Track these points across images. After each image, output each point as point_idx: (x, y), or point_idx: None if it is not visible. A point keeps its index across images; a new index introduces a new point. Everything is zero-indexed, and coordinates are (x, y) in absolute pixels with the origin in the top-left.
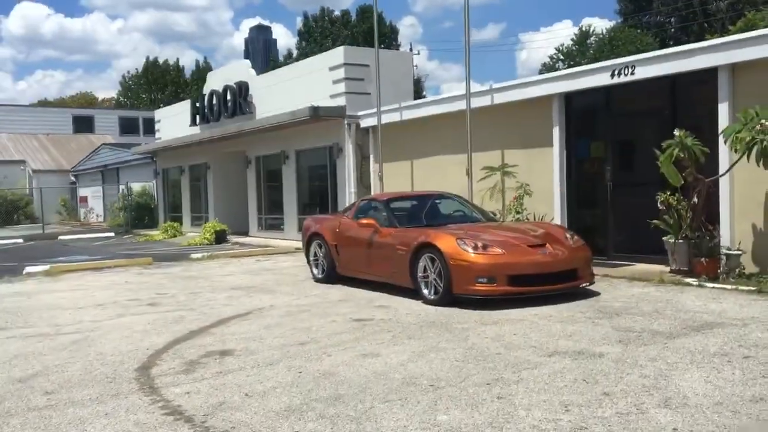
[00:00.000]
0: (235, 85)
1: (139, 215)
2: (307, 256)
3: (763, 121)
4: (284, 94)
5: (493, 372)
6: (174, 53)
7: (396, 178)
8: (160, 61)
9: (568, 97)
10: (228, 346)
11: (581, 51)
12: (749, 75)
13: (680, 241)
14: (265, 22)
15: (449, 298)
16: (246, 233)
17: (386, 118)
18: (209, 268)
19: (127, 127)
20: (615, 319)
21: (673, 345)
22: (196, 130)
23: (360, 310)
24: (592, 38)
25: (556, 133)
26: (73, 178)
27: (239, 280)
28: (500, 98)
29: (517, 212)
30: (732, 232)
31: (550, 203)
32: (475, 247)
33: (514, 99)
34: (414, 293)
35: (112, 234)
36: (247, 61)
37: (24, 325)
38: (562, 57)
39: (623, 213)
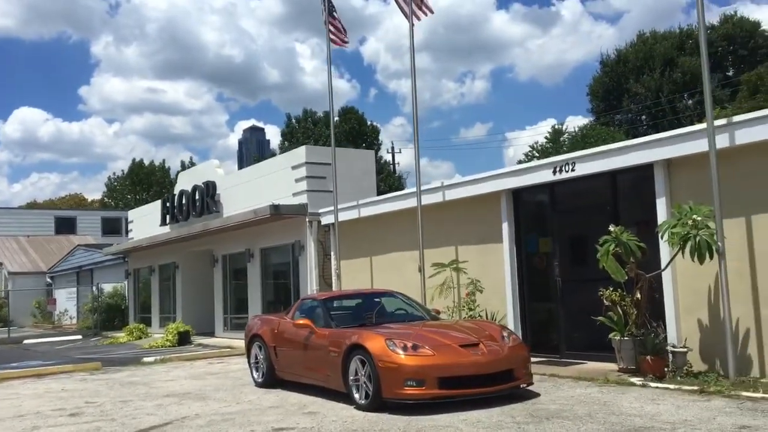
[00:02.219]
0: (203, 185)
1: (110, 317)
2: (248, 358)
3: (695, 216)
4: (250, 192)
5: None
6: (170, 154)
7: (356, 275)
8: (147, 162)
9: (516, 194)
10: None
11: (555, 148)
12: (684, 170)
13: (626, 338)
14: (259, 124)
15: (379, 402)
16: (212, 334)
17: (345, 216)
18: (156, 372)
19: (110, 227)
20: (543, 424)
21: None
22: (166, 229)
23: (286, 418)
24: (565, 136)
25: (506, 228)
26: (49, 280)
27: (179, 385)
28: (451, 195)
29: (470, 309)
30: (678, 328)
31: (502, 299)
32: (405, 348)
33: (464, 195)
34: (349, 398)
35: (80, 337)
36: (216, 161)
37: None
38: (537, 154)
39: (574, 309)
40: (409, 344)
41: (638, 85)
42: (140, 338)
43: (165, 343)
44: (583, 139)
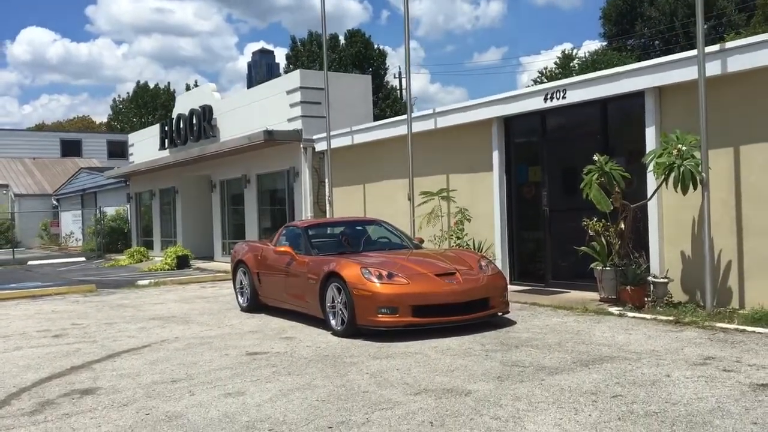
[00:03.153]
0: (199, 109)
1: (113, 239)
2: (234, 284)
3: (680, 146)
4: (246, 117)
5: (344, 413)
6: (179, 78)
7: (348, 202)
8: (154, 85)
9: (507, 121)
10: (97, 384)
11: (564, 74)
12: (675, 98)
13: (608, 268)
14: (269, 46)
15: (354, 329)
16: (212, 258)
17: (339, 142)
18: (147, 295)
19: (115, 150)
20: (510, 353)
21: (550, 381)
22: (165, 153)
23: (262, 343)
24: (575, 61)
25: (496, 157)
26: (55, 202)
27: (167, 308)
28: (443, 122)
29: (458, 237)
30: (661, 259)
31: (491, 228)
32: (380, 276)
33: (456, 123)
34: (327, 324)
35: (84, 259)
36: (213, 84)
37: None
38: (545, 80)
39: (560, 239)
40: (384, 273)
41: (652, 9)
42: (141, 261)
43: (164, 267)
44: (593, 65)
